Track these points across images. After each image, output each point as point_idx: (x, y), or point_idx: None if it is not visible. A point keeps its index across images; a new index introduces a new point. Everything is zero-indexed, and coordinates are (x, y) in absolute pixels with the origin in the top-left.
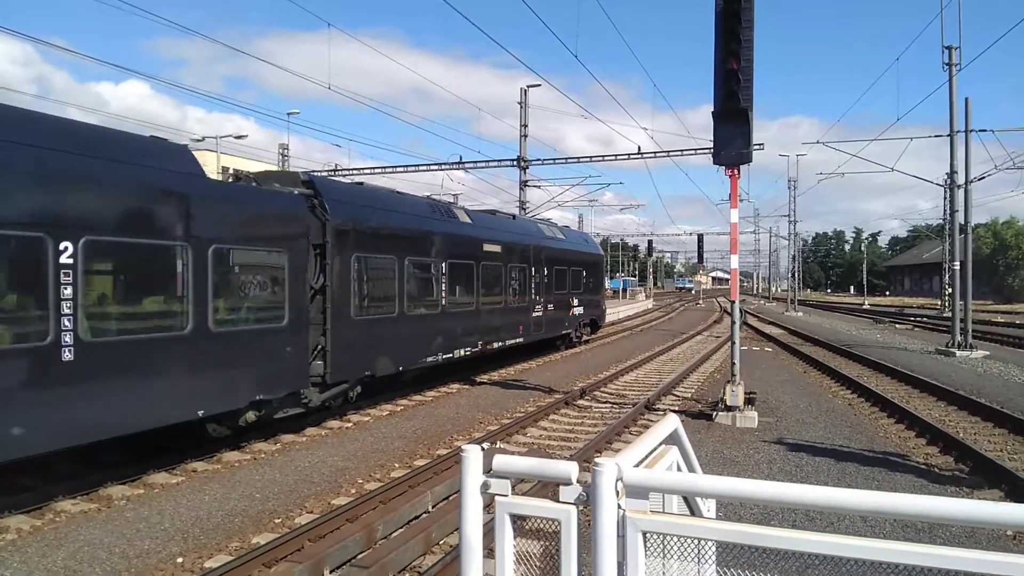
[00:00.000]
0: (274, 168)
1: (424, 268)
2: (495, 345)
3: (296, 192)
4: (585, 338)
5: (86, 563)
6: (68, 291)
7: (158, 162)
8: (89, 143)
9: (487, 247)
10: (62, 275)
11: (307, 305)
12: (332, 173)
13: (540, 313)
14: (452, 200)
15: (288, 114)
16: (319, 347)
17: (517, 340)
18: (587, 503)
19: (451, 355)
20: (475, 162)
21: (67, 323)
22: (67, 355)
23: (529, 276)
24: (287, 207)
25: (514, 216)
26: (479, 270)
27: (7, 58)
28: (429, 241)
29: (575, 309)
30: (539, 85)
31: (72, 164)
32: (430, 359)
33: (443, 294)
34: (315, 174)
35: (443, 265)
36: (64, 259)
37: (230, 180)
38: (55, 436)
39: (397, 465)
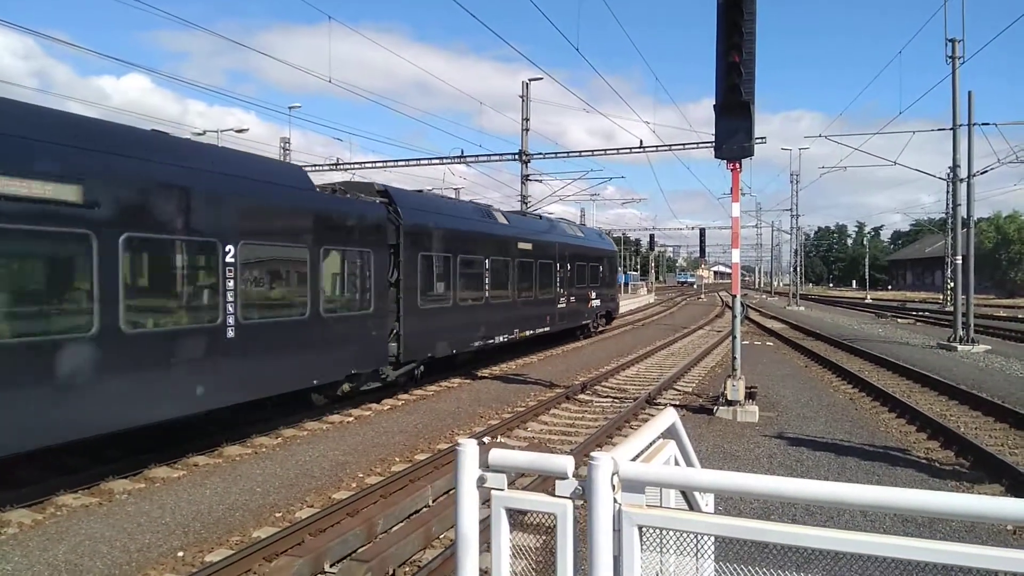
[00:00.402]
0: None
1: (472, 264)
2: (527, 333)
3: (377, 201)
4: (600, 328)
5: (87, 557)
6: (231, 284)
7: (285, 180)
8: (239, 166)
9: (521, 245)
10: (227, 271)
11: (388, 296)
12: (334, 167)
13: (564, 305)
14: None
15: (289, 108)
16: (393, 331)
17: (545, 329)
18: (584, 497)
19: (492, 341)
20: (476, 156)
21: (230, 308)
22: (230, 333)
23: (555, 271)
24: (373, 214)
25: (540, 216)
26: (514, 266)
27: (8, 51)
28: (476, 240)
29: (593, 301)
30: (541, 79)
31: (231, 184)
32: (476, 344)
33: (487, 287)
34: (388, 184)
35: (486, 262)
36: (228, 259)
37: (327, 192)
38: (222, 396)
39: (398, 459)
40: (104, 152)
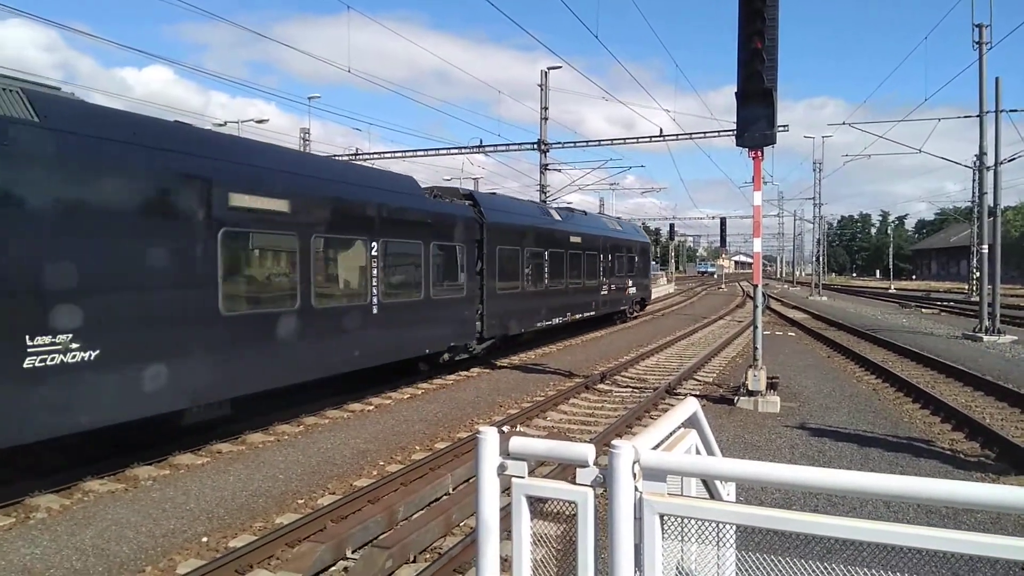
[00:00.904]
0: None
1: (535, 256)
2: (577, 316)
3: (467, 204)
4: (635, 313)
5: (113, 542)
6: (375, 271)
7: (405, 189)
8: (375, 179)
9: (572, 239)
10: (372, 262)
11: (475, 283)
12: (353, 157)
13: (606, 292)
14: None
15: (309, 98)
16: (478, 312)
17: (591, 313)
18: (604, 485)
19: (550, 322)
20: (495, 146)
21: (375, 291)
22: (375, 310)
23: (599, 262)
24: (465, 215)
25: (585, 212)
26: (567, 258)
27: (33, 44)
28: (538, 235)
29: (630, 289)
30: (560, 67)
31: (373, 195)
32: (538, 324)
33: (546, 276)
34: (470, 189)
35: (545, 254)
36: (373, 252)
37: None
38: (369, 359)
39: (418, 448)
40: (304, 176)
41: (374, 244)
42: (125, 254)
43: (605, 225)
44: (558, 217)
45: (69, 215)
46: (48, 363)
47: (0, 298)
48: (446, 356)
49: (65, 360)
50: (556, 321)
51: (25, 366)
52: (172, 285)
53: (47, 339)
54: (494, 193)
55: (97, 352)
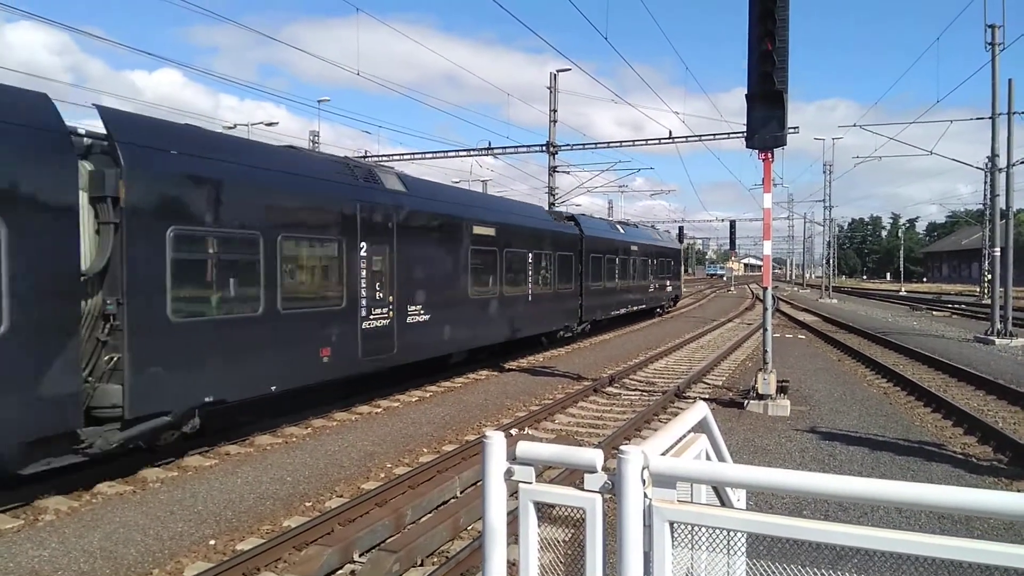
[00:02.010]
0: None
1: (610, 261)
2: (633, 308)
3: (571, 223)
4: (669, 308)
5: (121, 544)
6: (531, 273)
7: (538, 214)
8: (522, 207)
9: (631, 247)
10: (529, 268)
11: (577, 281)
12: (362, 159)
13: (652, 290)
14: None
15: (319, 101)
16: (578, 303)
17: (642, 306)
18: (613, 491)
19: (618, 311)
20: (504, 148)
21: (531, 285)
22: (530, 298)
23: (649, 265)
24: (572, 231)
25: (636, 225)
26: (628, 262)
27: (43, 47)
28: (612, 245)
29: (668, 287)
30: (569, 69)
31: (532, 222)
32: (612, 313)
33: (616, 276)
34: (571, 211)
35: (616, 260)
36: (529, 260)
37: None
38: (527, 331)
39: (426, 450)
40: (507, 212)
41: (530, 255)
42: (442, 267)
43: (650, 235)
44: (622, 231)
45: (420, 249)
46: (415, 319)
47: (406, 288)
48: (561, 333)
49: (420, 319)
50: (622, 311)
51: (408, 322)
52: (454, 284)
53: (417, 307)
54: (585, 215)
55: (428, 316)
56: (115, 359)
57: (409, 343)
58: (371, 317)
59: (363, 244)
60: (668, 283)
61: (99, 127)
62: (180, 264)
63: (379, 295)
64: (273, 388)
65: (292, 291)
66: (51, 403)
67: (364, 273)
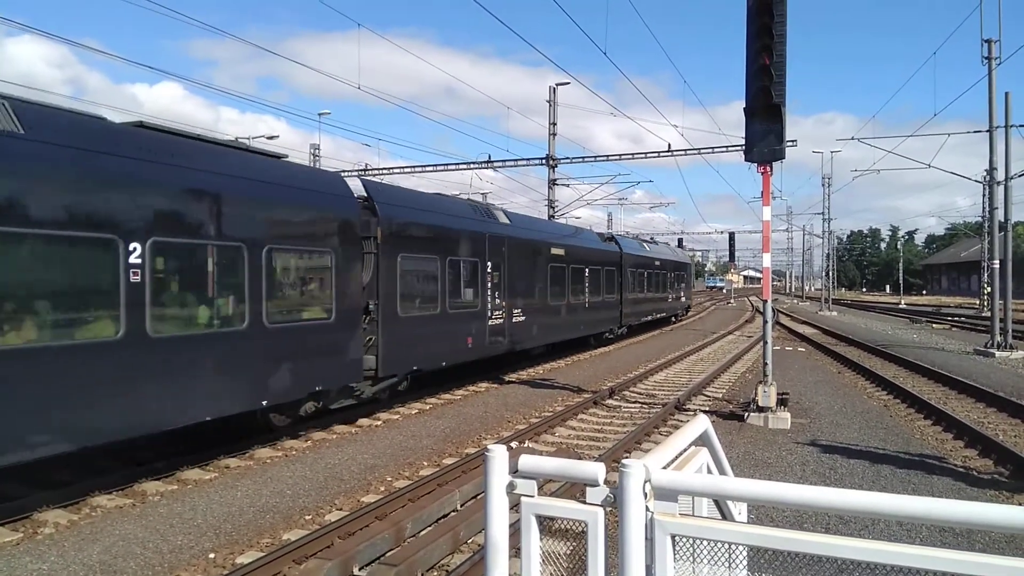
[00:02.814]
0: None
1: (641, 275)
2: (657, 316)
3: (613, 242)
4: (681, 316)
5: (121, 558)
6: (587, 284)
7: (595, 238)
8: (586, 236)
9: (655, 262)
10: (586, 280)
11: (617, 292)
12: (363, 173)
13: (670, 300)
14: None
15: (319, 114)
16: (619, 310)
17: (663, 314)
18: (615, 505)
19: (647, 318)
20: (504, 161)
21: (588, 296)
22: (586, 305)
23: (667, 277)
24: (614, 249)
25: (656, 241)
26: (653, 275)
27: (43, 60)
28: (642, 261)
29: (682, 298)
30: (568, 83)
31: (588, 243)
32: (643, 319)
33: (645, 287)
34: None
35: (645, 273)
36: (586, 274)
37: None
38: (583, 333)
39: (426, 463)
40: (565, 235)
41: (587, 270)
42: (532, 280)
43: (670, 250)
44: (648, 248)
45: (519, 267)
46: (512, 320)
47: (512, 296)
48: (606, 335)
49: (515, 319)
50: (649, 318)
51: (513, 321)
52: (539, 293)
53: (519, 311)
54: (621, 234)
55: (524, 317)
56: (372, 339)
57: (514, 337)
58: (493, 317)
59: (488, 264)
60: (682, 294)
61: (359, 189)
62: (404, 277)
63: (497, 301)
64: (443, 363)
65: (454, 297)
66: (351, 365)
67: (489, 285)
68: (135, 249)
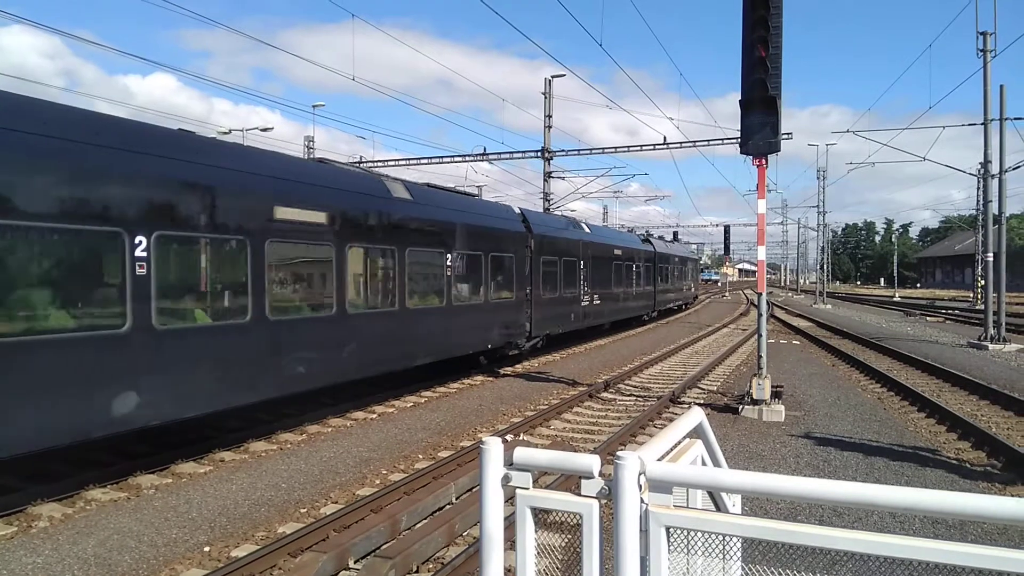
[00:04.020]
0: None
1: (666, 269)
2: (676, 303)
3: (648, 243)
4: (692, 304)
5: (116, 551)
6: (623, 275)
7: (634, 239)
8: (628, 238)
9: (674, 258)
10: (624, 272)
11: (651, 284)
12: (357, 165)
13: (684, 290)
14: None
15: (314, 107)
16: (651, 299)
17: (681, 300)
18: (609, 497)
19: (669, 305)
20: (499, 153)
21: (632, 287)
22: (634, 293)
23: (684, 271)
24: (650, 248)
25: (676, 240)
26: (673, 269)
27: (35, 50)
28: (668, 257)
29: (692, 288)
30: (563, 75)
31: (630, 244)
32: (668, 305)
33: (669, 279)
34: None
35: (668, 267)
36: (635, 269)
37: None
38: (637, 312)
39: (421, 456)
40: (623, 238)
41: (635, 265)
42: (603, 274)
43: (683, 248)
44: (666, 247)
45: (597, 264)
46: (593, 303)
47: (591, 285)
48: (644, 318)
49: (594, 303)
50: (671, 305)
51: (593, 303)
52: (607, 284)
53: (596, 296)
54: (654, 235)
55: (600, 302)
56: (529, 312)
57: (594, 315)
58: (582, 301)
59: (581, 263)
60: (693, 285)
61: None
62: (543, 274)
63: (586, 290)
64: (560, 330)
65: (567, 288)
66: (521, 327)
67: (582, 277)
68: (451, 257)
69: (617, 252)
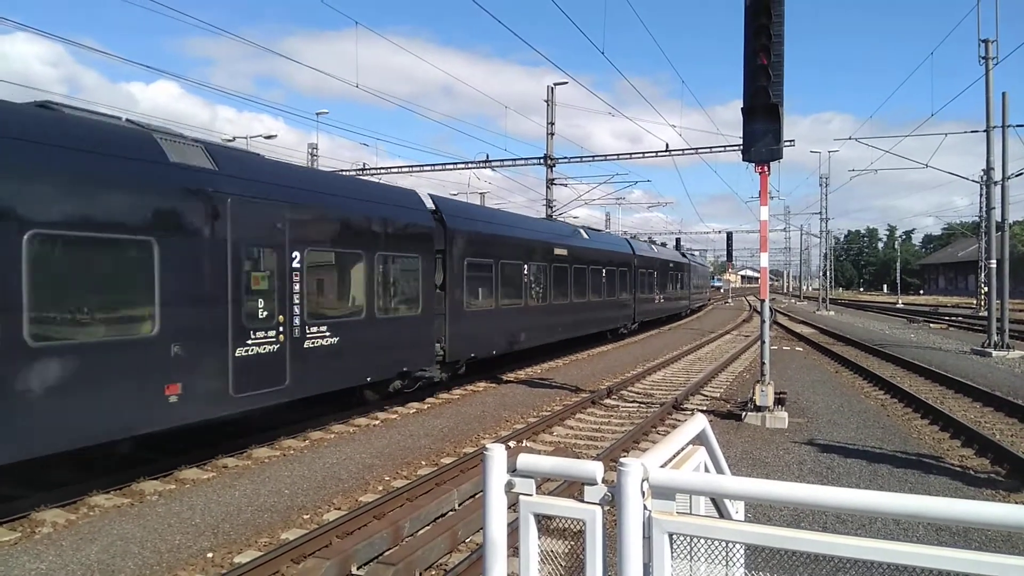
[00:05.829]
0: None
1: (666, 275)
2: (680, 311)
3: (683, 256)
4: (704, 307)
5: (119, 557)
6: (665, 282)
7: (672, 251)
8: (668, 251)
9: (698, 268)
10: (670, 279)
11: (688, 289)
12: (360, 172)
13: (688, 298)
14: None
15: (317, 114)
16: (632, 308)
17: (699, 303)
18: (612, 503)
19: (695, 305)
20: (502, 160)
21: (633, 292)
22: (629, 302)
23: (684, 278)
24: (685, 260)
25: (694, 252)
26: (681, 276)
27: (38, 58)
28: (694, 269)
29: (705, 293)
30: (566, 83)
31: (667, 256)
32: (694, 306)
33: (692, 286)
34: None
35: (669, 274)
36: (664, 276)
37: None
38: (652, 315)
39: (424, 463)
40: (667, 253)
41: (679, 274)
42: (649, 281)
43: (702, 260)
44: (668, 254)
45: (644, 273)
46: (648, 305)
47: (640, 290)
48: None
49: (647, 305)
50: (696, 305)
51: (528, 316)
52: (651, 288)
53: (646, 298)
54: (686, 248)
55: (653, 303)
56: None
57: (642, 313)
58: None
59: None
60: (706, 292)
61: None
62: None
63: (644, 295)
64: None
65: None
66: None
67: (633, 283)
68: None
69: (664, 266)
